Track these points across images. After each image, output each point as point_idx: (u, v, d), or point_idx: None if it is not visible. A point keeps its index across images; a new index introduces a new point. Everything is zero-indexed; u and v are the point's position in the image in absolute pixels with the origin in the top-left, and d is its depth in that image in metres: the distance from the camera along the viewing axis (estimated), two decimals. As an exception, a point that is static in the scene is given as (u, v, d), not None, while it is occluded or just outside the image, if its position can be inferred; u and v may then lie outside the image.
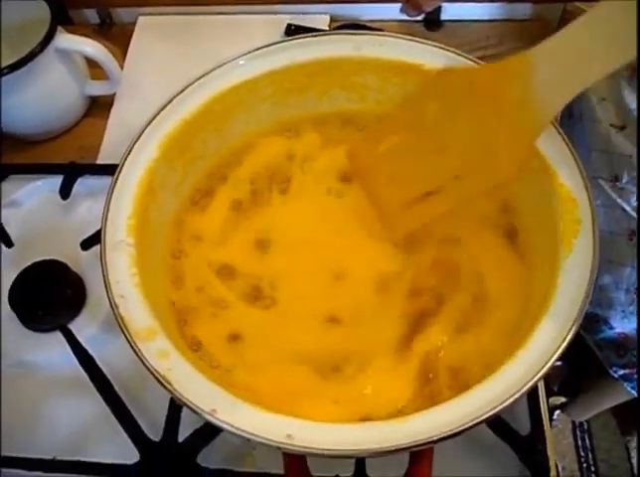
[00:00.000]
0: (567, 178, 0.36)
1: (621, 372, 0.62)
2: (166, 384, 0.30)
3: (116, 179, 0.37)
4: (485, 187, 0.38)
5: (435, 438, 0.29)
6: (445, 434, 0.29)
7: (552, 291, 0.33)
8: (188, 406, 0.30)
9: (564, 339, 0.31)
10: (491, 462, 0.44)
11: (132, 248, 0.36)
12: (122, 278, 0.34)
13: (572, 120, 0.55)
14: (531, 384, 0.30)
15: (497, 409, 0.30)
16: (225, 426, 0.29)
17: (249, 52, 0.42)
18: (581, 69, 0.33)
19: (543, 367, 0.30)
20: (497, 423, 0.42)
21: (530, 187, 0.39)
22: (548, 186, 0.37)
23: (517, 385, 0.30)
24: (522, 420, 0.44)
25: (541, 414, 0.44)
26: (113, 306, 0.33)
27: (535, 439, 0.43)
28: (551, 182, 0.37)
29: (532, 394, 0.44)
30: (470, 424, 0.30)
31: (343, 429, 0.30)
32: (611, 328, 0.59)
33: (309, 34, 0.43)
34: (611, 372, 0.63)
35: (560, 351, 0.31)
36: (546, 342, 0.32)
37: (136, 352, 0.31)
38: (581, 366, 0.71)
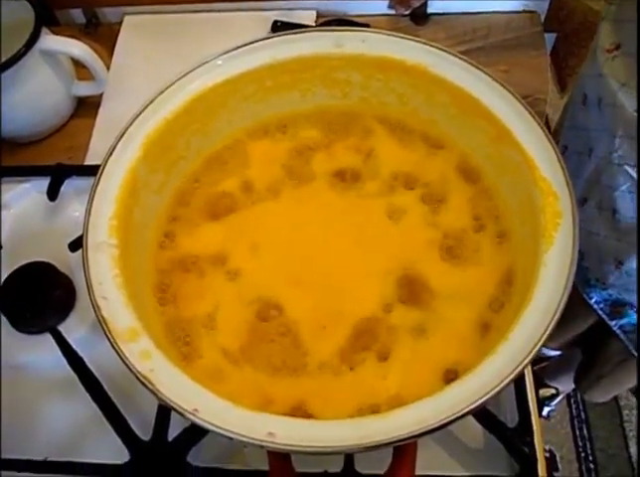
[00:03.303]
0: (548, 172, 0.37)
1: None
2: (148, 384, 0.30)
3: (98, 180, 0.38)
4: None
5: (417, 433, 0.29)
6: (426, 429, 0.29)
7: (533, 285, 0.33)
8: (170, 406, 0.30)
9: (545, 331, 0.31)
10: (479, 455, 0.44)
11: (115, 249, 0.36)
12: (105, 280, 0.34)
13: (588, 106, 0.55)
14: (511, 376, 0.30)
15: (478, 403, 0.30)
16: (206, 426, 0.29)
17: (230, 50, 0.42)
18: None
19: (522, 360, 0.31)
20: (484, 416, 0.43)
21: (511, 181, 0.39)
22: (529, 179, 0.37)
23: (498, 377, 0.31)
24: (510, 412, 0.45)
25: (528, 406, 0.44)
26: (95, 308, 0.33)
27: (522, 431, 0.43)
28: (532, 175, 0.37)
29: (519, 385, 0.44)
30: (452, 418, 0.30)
31: (324, 426, 0.30)
32: (638, 311, 0.59)
33: (290, 31, 0.42)
34: (637, 354, 0.63)
35: (539, 344, 0.31)
36: (526, 335, 0.32)
37: (118, 353, 0.31)
38: (603, 351, 0.72)
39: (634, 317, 0.60)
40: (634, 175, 0.50)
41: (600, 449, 1.18)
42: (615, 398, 1.20)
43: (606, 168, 0.53)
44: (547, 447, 1.16)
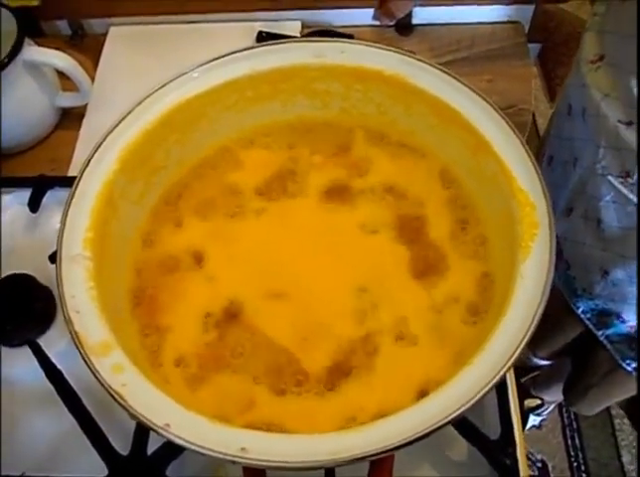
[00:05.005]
0: (526, 183, 0.37)
1: (634, 364, 0.62)
2: (119, 399, 0.30)
3: (74, 192, 0.37)
4: None
5: (392, 446, 0.29)
6: (402, 442, 0.29)
7: (510, 295, 0.33)
8: (141, 421, 0.30)
9: (521, 341, 0.31)
10: (462, 467, 0.43)
11: (89, 262, 0.35)
12: (78, 292, 0.34)
13: (573, 116, 0.55)
14: (488, 387, 0.30)
15: (454, 415, 0.30)
16: (178, 441, 0.29)
17: (210, 61, 0.42)
18: None
19: (499, 371, 0.30)
20: (466, 427, 0.42)
21: (489, 192, 0.39)
22: (507, 190, 0.37)
23: (475, 388, 0.30)
24: (492, 424, 0.44)
25: (511, 418, 0.44)
26: (68, 322, 0.32)
27: (505, 443, 0.42)
28: (509, 186, 0.37)
29: (502, 397, 0.44)
30: (427, 431, 0.29)
31: (298, 441, 0.29)
32: (624, 322, 0.59)
33: (269, 42, 0.42)
34: (624, 365, 0.63)
35: (516, 354, 0.31)
36: (504, 345, 0.31)
37: (90, 367, 0.31)
38: (591, 362, 0.72)
39: (620, 327, 0.60)
40: (617, 185, 0.50)
41: (592, 459, 1.18)
42: (607, 408, 1.20)
43: (591, 178, 0.53)
44: (539, 457, 1.15)
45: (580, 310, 0.63)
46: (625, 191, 0.50)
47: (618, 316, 0.59)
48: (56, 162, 0.62)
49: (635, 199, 0.49)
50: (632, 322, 0.58)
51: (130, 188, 0.40)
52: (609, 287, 0.57)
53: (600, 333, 0.62)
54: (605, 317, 0.60)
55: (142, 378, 0.31)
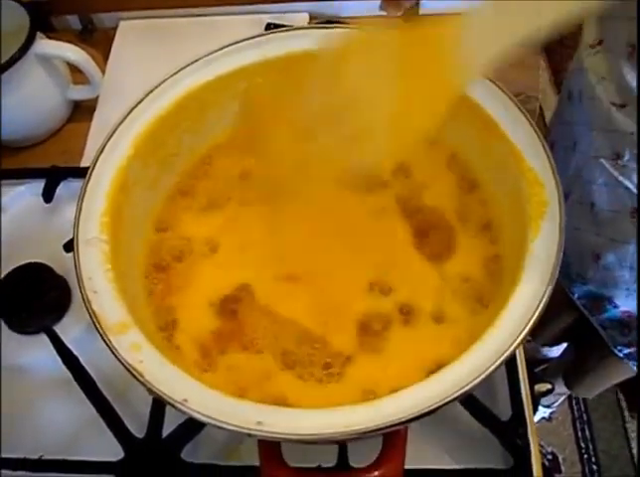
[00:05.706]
0: (535, 162, 0.37)
1: (626, 350, 0.63)
2: (138, 375, 0.31)
3: (89, 177, 0.38)
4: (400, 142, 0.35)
5: (405, 419, 0.29)
6: (413, 415, 0.29)
7: (519, 273, 0.33)
8: (160, 397, 0.30)
9: (530, 320, 0.31)
10: (474, 448, 0.44)
11: (106, 245, 0.36)
12: (95, 274, 0.34)
13: (572, 101, 0.55)
14: (497, 363, 0.30)
15: (465, 389, 0.30)
16: (196, 415, 0.29)
17: (220, 48, 0.42)
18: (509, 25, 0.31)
19: (509, 347, 0.31)
20: (478, 409, 0.43)
21: (499, 172, 0.39)
22: (516, 170, 0.37)
23: (484, 365, 0.31)
24: (503, 406, 0.45)
25: (522, 399, 0.44)
26: (86, 301, 0.33)
27: (516, 424, 0.43)
28: (519, 166, 0.37)
29: (512, 378, 0.45)
30: (440, 404, 0.30)
31: (312, 414, 0.30)
32: (616, 307, 0.59)
33: (279, 29, 0.43)
34: (616, 351, 0.63)
35: (525, 332, 0.31)
36: (512, 323, 0.32)
37: (109, 345, 0.32)
38: (587, 346, 0.72)
39: (613, 312, 0.60)
40: (609, 168, 0.50)
41: (603, 450, 1.17)
42: (617, 399, 1.20)
43: (586, 162, 0.53)
44: (549, 449, 1.15)
45: (576, 296, 0.63)
46: (616, 173, 0.50)
47: (610, 301, 0.59)
48: (67, 154, 0.63)
49: (625, 181, 0.49)
50: (624, 307, 0.59)
51: (144, 174, 0.41)
52: (601, 271, 0.57)
53: (594, 318, 0.63)
54: (599, 302, 0.60)
55: (159, 355, 0.32)
